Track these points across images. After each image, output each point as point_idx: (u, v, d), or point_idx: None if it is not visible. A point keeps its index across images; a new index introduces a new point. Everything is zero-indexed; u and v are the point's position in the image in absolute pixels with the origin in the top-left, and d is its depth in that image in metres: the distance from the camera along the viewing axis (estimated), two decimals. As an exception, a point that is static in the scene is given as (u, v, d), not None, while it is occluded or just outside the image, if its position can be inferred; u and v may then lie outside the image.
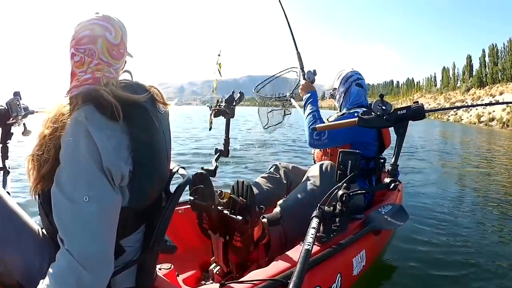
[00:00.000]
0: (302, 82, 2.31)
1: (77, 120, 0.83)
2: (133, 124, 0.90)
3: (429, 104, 52.85)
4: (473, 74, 51.13)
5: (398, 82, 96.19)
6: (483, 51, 49.70)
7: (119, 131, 0.88)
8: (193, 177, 1.44)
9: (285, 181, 2.08)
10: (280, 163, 2.19)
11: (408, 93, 77.37)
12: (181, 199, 1.34)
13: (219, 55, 2.06)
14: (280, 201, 1.77)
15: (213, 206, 1.48)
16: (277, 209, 1.71)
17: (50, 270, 0.81)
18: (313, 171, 1.83)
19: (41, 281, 0.82)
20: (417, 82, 79.04)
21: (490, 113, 28.98)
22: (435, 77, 66.53)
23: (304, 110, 2.20)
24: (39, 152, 0.89)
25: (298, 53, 2.44)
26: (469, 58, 54.43)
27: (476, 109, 31.28)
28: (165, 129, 1.04)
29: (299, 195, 1.75)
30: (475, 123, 29.49)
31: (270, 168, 2.15)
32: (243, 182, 1.46)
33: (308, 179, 1.81)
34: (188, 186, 1.50)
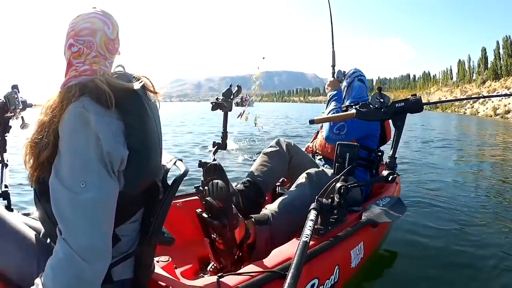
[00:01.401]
0: (330, 79, 2.38)
1: (75, 110, 0.85)
2: (127, 111, 0.93)
3: (446, 97, 52.82)
4: (488, 66, 50.90)
5: (414, 76, 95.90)
6: (497, 43, 49.40)
7: (115, 118, 0.90)
8: (207, 168, 1.43)
9: (286, 154, 2.10)
10: (281, 139, 2.20)
11: (424, 87, 77.14)
12: (180, 192, 1.35)
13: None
14: (268, 205, 1.76)
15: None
16: (265, 211, 1.69)
17: (49, 261, 0.82)
18: (301, 179, 1.83)
19: (40, 274, 0.83)
20: (433, 76, 78.76)
21: (506, 105, 28.80)
22: (451, 70, 66.46)
23: (327, 105, 2.26)
24: (38, 138, 0.90)
25: (333, 51, 2.56)
26: (483, 51, 54.07)
27: (492, 101, 31.19)
28: (156, 117, 1.05)
29: (288, 200, 1.74)
30: (491, 116, 29.37)
31: (272, 142, 2.17)
32: (217, 183, 1.39)
33: (297, 185, 1.81)
34: (202, 177, 1.50)
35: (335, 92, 2.28)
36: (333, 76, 2.41)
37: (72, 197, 0.81)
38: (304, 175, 1.84)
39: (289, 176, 2.21)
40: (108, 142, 0.86)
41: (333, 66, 2.48)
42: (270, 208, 1.69)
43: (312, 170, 1.86)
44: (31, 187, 0.97)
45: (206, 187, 1.47)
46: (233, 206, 1.41)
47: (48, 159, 0.87)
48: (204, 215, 1.45)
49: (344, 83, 2.33)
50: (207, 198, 1.40)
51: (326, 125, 2.09)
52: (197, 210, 1.48)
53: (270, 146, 2.14)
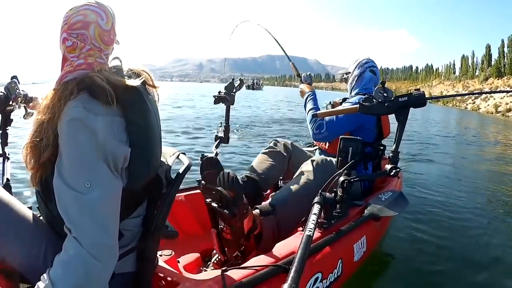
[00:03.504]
0: (301, 86, 2.37)
1: (75, 110, 0.84)
2: (128, 108, 0.92)
3: (447, 92, 52.90)
4: (492, 63, 50.83)
5: (417, 67, 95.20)
6: (502, 41, 49.25)
7: (116, 115, 0.90)
8: (203, 162, 1.44)
9: (285, 154, 2.10)
10: (279, 139, 2.21)
11: (426, 79, 76.85)
12: (182, 185, 1.35)
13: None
14: (273, 193, 1.78)
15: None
16: (271, 201, 1.70)
17: (58, 259, 0.82)
18: (306, 167, 1.84)
19: (48, 270, 0.82)
20: (436, 69, 78.32)
21: (507, 103, 28.77)
22: (454, 64, 66.11)
23: (305, 108, 2.24)
24: (38, 139, 0.89)
25: (292, 63, 2.60)
26: (488, 48, 53.91)
27: (494, 98, 31.11)
28: (156, 111, 1.05)
29: (292, 188, 1.75)
30: (492, 113, 29.31)
31: (270, 143, 2.17)
32: (228, 173, 1.43)
33: (301, 173, 1.82)
34: (200, 170, 1.50)
35: (309, 92, 2.27)
36: (302, 82, 2.40)
37: (78, 198, 0.81)
38: (308, 162, 1.84)
39: (289, 174, 2.21)
40: (110, 141, 0.86)
41: (298, 75, 2.48)
42: (275, 198, 1.71)
43: (317, 157, 1.86)
44: (34, 187, 0.96)
45: (203, 182, 1.48)
46: (243, 196, 1.43)
47: (50, 160, 0.87)
48: (214, 204, 1.46)
49: (356, 72, 2.28)
50: (217, 188, 1.42)
51: (309, 127, 2.08)
52: (206, 200, 1.49)
53: (268, 147, 2.14)
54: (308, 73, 2.44)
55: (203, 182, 1.49)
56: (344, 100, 2.24)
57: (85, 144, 0.83)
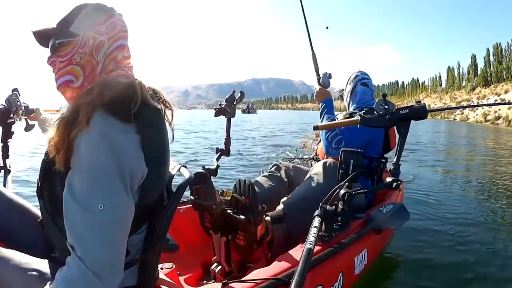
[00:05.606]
0: (317, 87, 2.24)
1: (94, 127, 0.82)
2: (146, 125, 0.91)
3: (435, 104, 53.18)
4: (478, 73, 51.22)
5: (403, 82, 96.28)
6: (488, 50, 49.82)
7: (135, 132, 0.88)
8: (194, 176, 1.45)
9: (286, 180, 2.10)
10: (281, 163, 2.20)
11: (413, 93, 77.52)
12: (183, 198, 1.35)
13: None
14: (284, 199, 1.78)
15: (214, 206, 1.48)
16: (280, 207, 1.71)
17: (60, 274, 0.81)
18: (317, 169, 1.84)
19: (48, 284, 0.82)
20: (422, 82, 79.09)
21: (496, 111, 28.93)
22: (440, 77, 66.65)
23: (321, 120, 2.17)
24: (73, 116, 0.84)
25: (314, 54, 2.26)
26: (473, 58, 54.44)
27: (482, 108, 31.27)
28: (166, 128, 1.05)
29: (302, 192, 1.76)
30: (481, 122, 29.43)
31: (271, 168, 2.16)
32: (244, 181, 1.46)
33: (311, 176, 1.82)
34: (188, 185, 1.52)
35: (324, 104, 2.17)
36: (319, 83, 2.21)
37: (89, 218, 0.79)
38: (320, 164, 1.85)
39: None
40: (130, 159, 0.84)
41: (317, 71, 2.19)
42: (286, 204, 1.72)
43: (328, 160, 1.86)
44: (37, 194, 0.95)
45: (192, 196, 1.50)
46: (258, 203, 1.46)
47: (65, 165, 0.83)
48: (229, 211, 1.49)
49: (348, 88, 2.28)
50: (233, 195, 1.47)
51: (323, 140, 2.05)
52: (223, 207, 1.52)
53: (269, 171, 2.14)
54: (327, 73, 2.19)
55: (191, 197, 1.52)
56: (351, 115, 2.24)
57: (105, 163, 0.80)
